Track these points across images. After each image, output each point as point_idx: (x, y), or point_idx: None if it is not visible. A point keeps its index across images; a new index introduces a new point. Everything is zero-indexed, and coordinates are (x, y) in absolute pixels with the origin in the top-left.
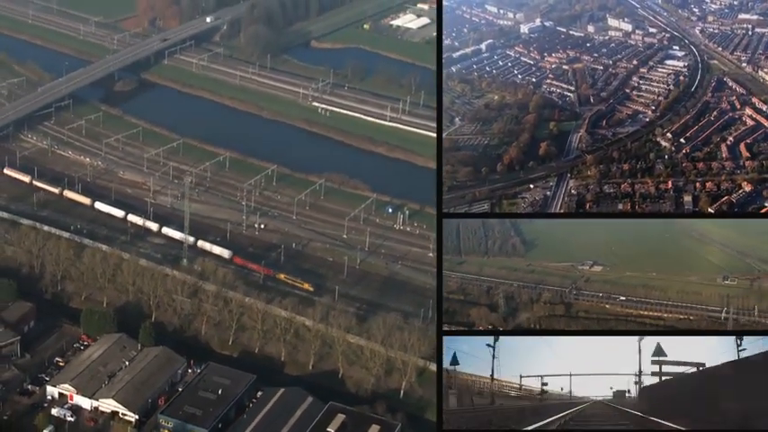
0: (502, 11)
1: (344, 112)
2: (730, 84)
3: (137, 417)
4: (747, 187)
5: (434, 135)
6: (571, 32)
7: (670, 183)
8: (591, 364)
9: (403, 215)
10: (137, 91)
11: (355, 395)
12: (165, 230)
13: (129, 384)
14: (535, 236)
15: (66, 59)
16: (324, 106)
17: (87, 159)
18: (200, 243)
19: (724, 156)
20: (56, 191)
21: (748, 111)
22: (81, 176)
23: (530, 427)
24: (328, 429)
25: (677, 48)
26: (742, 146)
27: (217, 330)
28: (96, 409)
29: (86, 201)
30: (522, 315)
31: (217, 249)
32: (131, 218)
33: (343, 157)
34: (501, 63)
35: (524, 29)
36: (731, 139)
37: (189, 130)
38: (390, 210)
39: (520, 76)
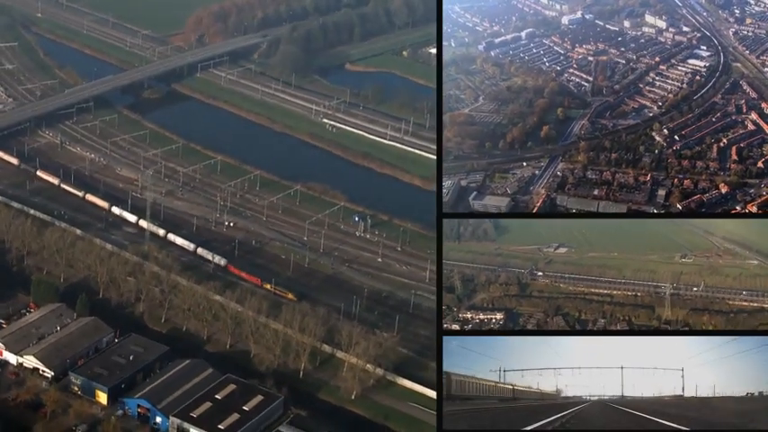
0: (550, 2)
1: (350, 129)
2: (745, 87)
3: (53, 374)
4: (724, 189)
5: (425, 154)
6: (607, 26)
7: (650, 176)
8: (589, 363)
9: (365, 223)
10: (163, 99)
11: (259, 371)
12: (140, 222)
13: (53, 346)
14: (508, 222)
15: (108, 67)
16: (332, 123)
17: (91, 155)
18: (200, 250)
19: (713, 156)
20: (79, 194)
21: (753, 115)
22: (79, 169)
23: (530, 427)
24: (216, 396)
25: (704, 48)
26: (734, 149)
27: (153, 308)
28: (21, 365)
29: (104, 204)
30: (479, 296)
31: (214, 257)
32: (113, 209)
33: (333, 170)
34: (534, 51)
35: (565, 20)
36: (725, 141)
37: (196, 135)
38: (357, 218)
39: (547, 64)
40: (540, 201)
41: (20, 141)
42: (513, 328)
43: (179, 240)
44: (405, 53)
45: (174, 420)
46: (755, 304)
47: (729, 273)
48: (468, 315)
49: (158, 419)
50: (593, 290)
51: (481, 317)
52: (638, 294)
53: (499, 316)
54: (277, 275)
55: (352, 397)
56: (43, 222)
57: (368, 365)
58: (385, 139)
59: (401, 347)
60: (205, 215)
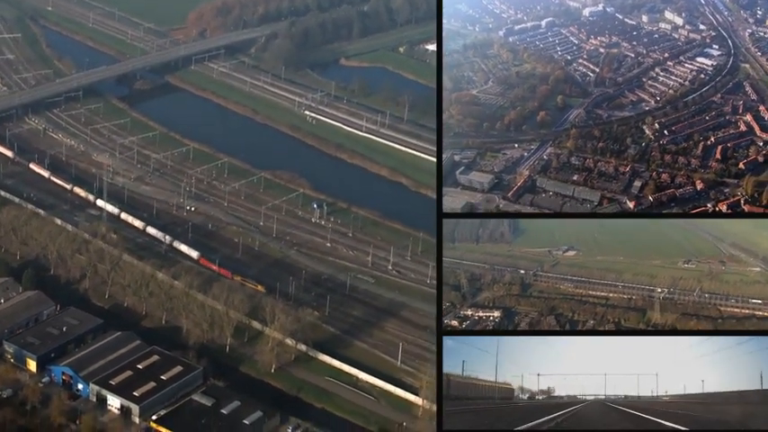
0: None
1: (329, 121)
2: (747, 89)
3: None
4: (699, 186)
5: (397, 146)
6: (625, 20)
7: (630, 166)
8: (589, 363)
9: (321, 210)
10: (153, 90)
11: (188, 345)
12: (102, 204)
13: None
14: (527, 224)
15: (106, 59)
16: (312, 115)
17: (71, 141)
18: (176, 243)
19: (697, 154)
20: (67, 186)
21: (747, 117)
22: (56, 154)
23: (528, 426)
24: (138, 366)
25: (716, 47)
26: (719, 148)
27: (98, 285)
28: None
29: (90, 197)
30: (483, 294)
31: (187, 250)
32: (79, 191)
33: (305, 159)
34: (551, 39)
35: (586, 12)
36: (712, 139)
37: (178, 124)
38: (315, 205)
39: (560, 53)
40: (522, 180)
41: (3, 127)
42: (508, 325)
43: (137, 222)
44: (401, 49)
45: (94, 387)
46: (747, 311)
47: (729, 279)
48: (469, 312)
49: (80, 386)
50: (590, 292)
51: (480, 314)
52: (633, 298)
53: (497, 314)
54: (226, 257)
55: (272, 370)
56: (6, 202)
57: (289, 341)
58: (360, 131)
59: (328, 326)
60: (169, 200)
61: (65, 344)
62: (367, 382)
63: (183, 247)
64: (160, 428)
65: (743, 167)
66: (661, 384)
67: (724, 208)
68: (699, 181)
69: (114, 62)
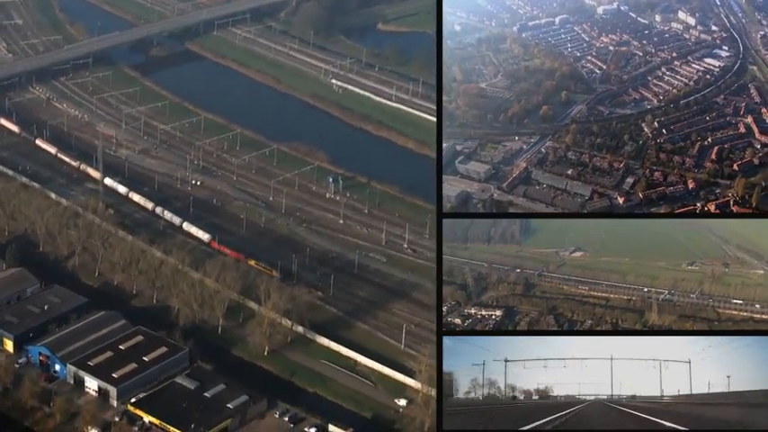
0: None
1: (357, 90)
2: (752, 91)
3: None
4: (690, 185)
5: (428, 117)
6: (638, 19)
7: (624, 163)
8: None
9: (336, 185)
10: (170, 57)
11: (179, 325)
12: (99, 177)
13: None
14: (537, 225)
15: (123, 24)
16: (339, 83)
17: (75, 111)
18: (185, 225)
19: (693, 153)
20: (75, 164)
21: (748, 119)
22: (57, 125)
23: (528, 427)
24: (120, 346)
25: (725, 48)
26: (715, 149)
27: (88, 263)
28: None
29: (97, 175)
30: (489, 293)
31: (198, 232)
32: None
33: (327, 131)
34: (563, 36)
35: (600, 9)
36: (710, 140)
37: (192, 94)
38: (331, 179)
39: (570, 49)
40: (518, 172)
41: (4, 96)
42: (509, 324)
43: (136, 197)
44: None
45: (71, 368)
46: (745, 314)
47: (731, 281)
48: (472, 311)
49: (57, 367)
50: (592, 292)
51: (483, 313)
52: (633, 299)
53: (499, 313)
54: (229, 234)
55: (264, 353)
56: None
57: (285, 322)
58: (390, 100)
59: (331, 306)
60: (173, 173)
61: (45, 323)
62: (365, 365)
63: (193, 229)
64: (138, 411)
65: (737, 169)
66: (658, 383)
67: (713, 208)
68: (691, 180)
69: (131, 27)
